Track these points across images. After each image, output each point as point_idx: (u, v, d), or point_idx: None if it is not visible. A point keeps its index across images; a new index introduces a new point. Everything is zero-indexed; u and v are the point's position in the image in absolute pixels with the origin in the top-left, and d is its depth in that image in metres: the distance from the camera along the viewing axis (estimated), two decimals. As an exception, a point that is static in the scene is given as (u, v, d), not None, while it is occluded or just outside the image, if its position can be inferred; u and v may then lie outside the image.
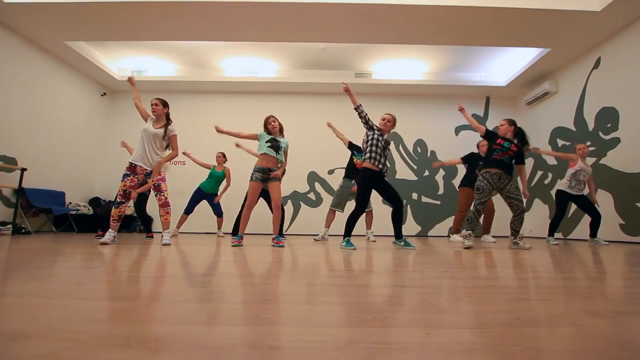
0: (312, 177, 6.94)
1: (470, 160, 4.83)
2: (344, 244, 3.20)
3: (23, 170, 4.94)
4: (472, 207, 3.44)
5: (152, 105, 3.41)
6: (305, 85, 6.95)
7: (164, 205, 3.33)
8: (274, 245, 3.28)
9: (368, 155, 3.28)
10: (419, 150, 7.06)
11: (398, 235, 3.37)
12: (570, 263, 2.23)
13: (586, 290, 1.34)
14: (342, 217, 4.86)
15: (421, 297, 1.15)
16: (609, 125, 4.84)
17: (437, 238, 5.95)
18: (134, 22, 4.89)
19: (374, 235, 4.77)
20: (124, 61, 6.66)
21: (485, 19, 4.66)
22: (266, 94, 7.22)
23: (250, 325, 0.80)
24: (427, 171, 6.97)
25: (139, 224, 6.51)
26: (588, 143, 5.19)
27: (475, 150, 4.94)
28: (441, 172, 6.96)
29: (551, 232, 4.41)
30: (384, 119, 3.40)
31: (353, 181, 4.58)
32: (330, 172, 6.91)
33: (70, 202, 6.02)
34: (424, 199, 6.86)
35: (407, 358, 0.62)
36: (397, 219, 3.35)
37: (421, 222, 6.76)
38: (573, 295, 1.22)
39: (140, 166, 3.31)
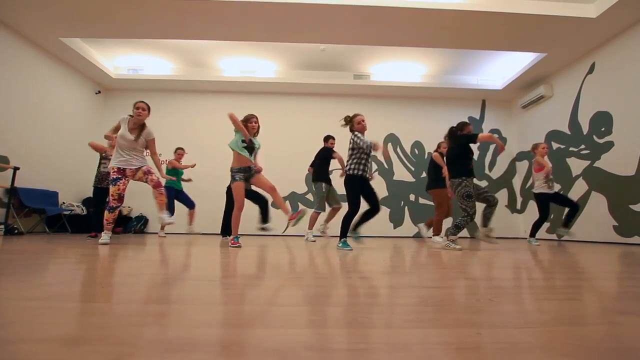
0: (311, 178, 6.91)
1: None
2: (340, 244, 3.22)
3: (15, 169, 4.81)
4: (465, 215, 3.40)
5: (138, 109, 3.32)
6: (303, 86, 6.94)
7: (157, 185, 3.32)
8: (290, 220, 3.16)
9: (351, 164, 3.33)
10: (417, 152, 7.13)
11: (353, 228, 3.39)
12: (579, 263, 2.28)
13: (606, 289, 1.37)
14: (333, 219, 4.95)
15: (453, 298, 1.16)
16: (603, 129, 4.97)
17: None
18: (132, 20, 4.81)
19: (314, 236, 4.96)
20: (119, 59, 6.55)
21: (484, 23, 4.73)
22: (264, 94, 7.20)
23: (305, 327, 0.80)
24: (424, 173, 7.03)
25: (134, 224, 6.41)
26: (582, 146, 5.32)
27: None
28: (438, 174, 7.04)
29: (533, 233, 4.47)
30: (363, 121, 3.40)
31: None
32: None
33: (64, 202, 5.88)
34: (421, 200, 6.92)
35: (473, 358, 0.62)
36: (366, 218, 3.42)
37: (418, 223, 6.80)
38: (598, 295, 1.25)
39: (129, 168, 3.34)
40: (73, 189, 6.28)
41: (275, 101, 7.17)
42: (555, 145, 5.91)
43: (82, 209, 6.14)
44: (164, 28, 5.04)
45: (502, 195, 6.93)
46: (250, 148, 3.33)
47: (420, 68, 6.67)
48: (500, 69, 6.51)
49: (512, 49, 5.46)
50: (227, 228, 4.93)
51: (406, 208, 6.87)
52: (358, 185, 3.28)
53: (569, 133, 5.62)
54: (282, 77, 6.87)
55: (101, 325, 0.77)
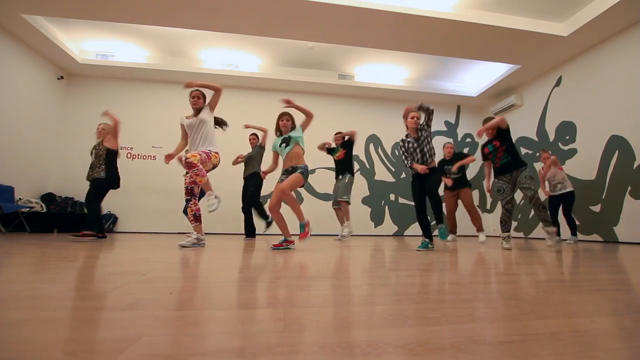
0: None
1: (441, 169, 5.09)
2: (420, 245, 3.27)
3: (-34, 160, 4.23)
4: (502, 210, 3.57)
5: (193, 97, 3.30)
6: (287, 82, 6.84)
7: (190, 166, 3.06)
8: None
9: (408, 162, 3.43)
10: (397, 153, 7.33)
11: (438, 221, 3.48)
12: (584, 259, 2.50)
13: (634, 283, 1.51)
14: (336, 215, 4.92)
15: (523, 291, 1.21)
16: (567, 137, 5.48)
17: (413, 237, 6.22)
18: (106, 0, 4.42)
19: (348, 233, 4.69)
20: (88, 43, 6.00)
21: (468, 33, 4.99)
22: (246, 89, 6.99)
23: (454, 323, 0.79)
24: (403, 173, 7.27)
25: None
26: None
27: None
28: (416, 175, 7.31)
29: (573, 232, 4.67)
30: (412, 117, 3.42)
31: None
32: (311, 172, 6.88)
33: (20, 199, 5.27)
34: (401, 200, 7.14)
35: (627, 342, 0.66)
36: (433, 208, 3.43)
37: (398, 222, 7.03)
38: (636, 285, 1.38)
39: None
40: (30, 184, 5.65)
41: (257, 97, 6.99)
42: (524, 151, 6.41)
43: (42, 206, 5.55)
44: (142, 12, 4.70)
45: (473, 196, 7.36)
46: (286, 140, 3.32)
47: (403, 72, 6.88)
48: (476, 77, 6.92)
49: (491, 59, 5.83)
50: (250, 229, 4.73)
51: (386, 207, 7.06)
52: (414, 182, 3.37)
53: (537, 140, 6.13)
54: (265, 72, 6.71)
55: (259, 333, 0.71)
